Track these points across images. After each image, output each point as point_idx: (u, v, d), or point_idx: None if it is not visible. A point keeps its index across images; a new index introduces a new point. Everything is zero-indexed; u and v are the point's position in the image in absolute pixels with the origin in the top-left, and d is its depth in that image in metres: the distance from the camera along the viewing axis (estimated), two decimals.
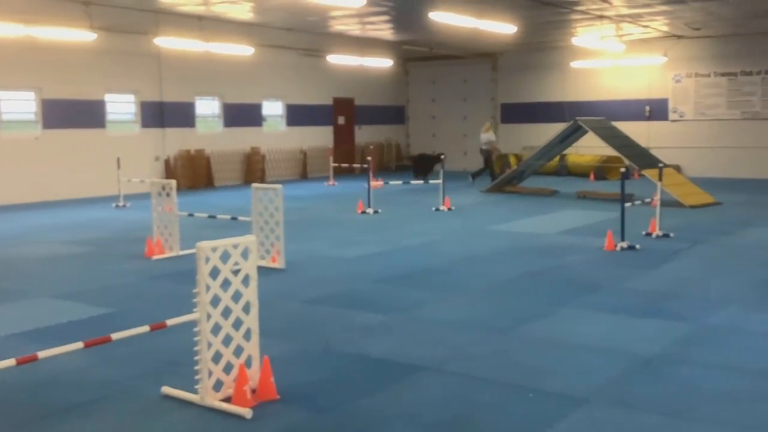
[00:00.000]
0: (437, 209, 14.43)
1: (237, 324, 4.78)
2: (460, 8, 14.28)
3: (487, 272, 8.70)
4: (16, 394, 4.94)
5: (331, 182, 20.51)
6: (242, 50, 18.32)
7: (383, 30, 20.06)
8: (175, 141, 19.22)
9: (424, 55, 24.27)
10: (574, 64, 22.24)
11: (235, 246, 4.69)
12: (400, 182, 16.88)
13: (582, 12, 16.57)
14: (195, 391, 4.68)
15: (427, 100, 26.63)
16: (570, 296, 7.44)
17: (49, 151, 16.76)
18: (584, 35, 19.66)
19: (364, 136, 25.18)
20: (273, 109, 22.30)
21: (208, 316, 4.58)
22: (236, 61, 19.62)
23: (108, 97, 18.07)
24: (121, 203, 15.59)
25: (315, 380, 5.14)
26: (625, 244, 9.96)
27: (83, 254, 10.22)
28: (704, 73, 21.51)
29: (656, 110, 22.14)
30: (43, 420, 4.52)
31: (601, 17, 17.19)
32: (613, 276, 8.38)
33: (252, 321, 4.83)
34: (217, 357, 4.67)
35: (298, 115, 22.66)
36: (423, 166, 22.48)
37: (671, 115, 22.05)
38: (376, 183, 16.77)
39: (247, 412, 4.46)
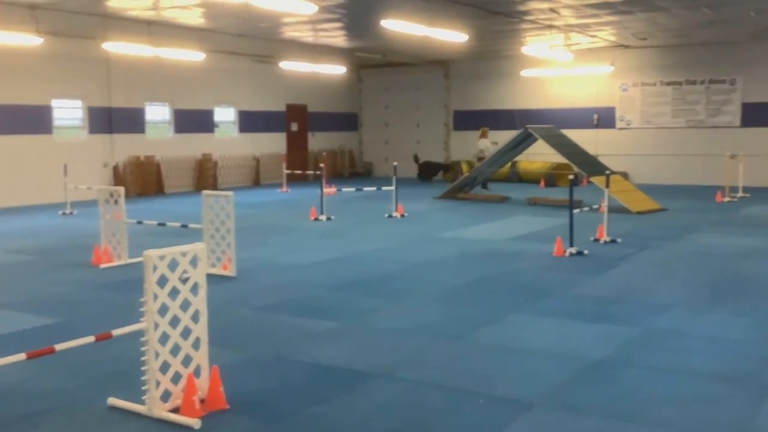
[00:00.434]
0: (390, 216, 14.47)
1: (186, 333, 4.72)
2: (412, 16, 14.38)
3: (439, 279, 8.75)
4: None
5: (284, 189, 20.41)
6: (193, 56, 18.14)
7: (336, 37, 20.08)
8: (124, 147, 18.92)
9: (377, 62, 24.36)
10: (525, 73, 22.58)
11: (184, 254, 4.64)
12: (353, 189, 16.88)
13: (531, 22, 16.84)
14: (142, 402, 4.61)
15: (380, 107, 26.73)
16: (520, 302, 7.54)
17: None
18: (534, 44, 19.98)
19: (318, 142, 25.13)
20: (225, 115, 22.11)
21: (156, 326, 4.52)
22: (187, 67, 19.42)
23: (55, 103, 17.69)
24: (68, 211, 15.26)
25: (266, 389, 5.11)
26: (573, 250, 10.13)
27: (28, 263, 9.97)
28: (650, 82, 22.05)
29: (604, 118, 22.60)
30: None
31: (550, 27, 17.49)
32: (562, 282, 8.52)
33: (201, 330, 4.78)
34: (165, 367, 4.60)
35: (250, 122, 22.51)
36: (428, 172, 23.78)
37: (618, 123, 22.54)
38: (330, 190, 16.73)
39: (195, 423, 4.41)
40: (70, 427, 4.49)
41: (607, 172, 12.14)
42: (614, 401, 4.82)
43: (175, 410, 4.59)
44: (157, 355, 4.54)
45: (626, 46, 21.38)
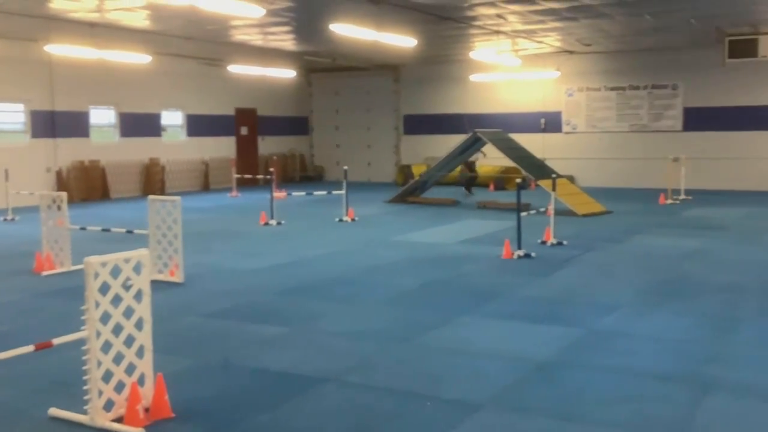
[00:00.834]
0: (341, 220, 14.45)
1: (129, 341, 4.64)
2: (361, 21, 14.40)
3: (389, 282, 8.77)
4: None
5: (233, 193, 20.21)
6: (139, 58, 17.84)
7: (285, 41, 19.99)
8: (68, 152, 18.48)
9: (327, 66, 24.32)
10: (473, 78, 22.81)
11: (127, 260, 4.56)
12: (303, 193, 16.82)
13: (479, 27, 17.02)
14: (84, 412, 4.50)
15: (331, 111, 26.68)
16: (469, 305, 7.60)
17: None
18: (482, 50, 20.19)
19: (268, 146, 24.95)
20: (172, 119, 21.79)
21: (98, 334, 4.43)
22: (133, 70, 19.09)
23: None
24: (9, 217, 14.85)
25: (213, 396, 5.04)
26: (521, 253, 10.26)
27: None
28: (595, 88, 22.50)
29: (550, 123, 22.98)
30: None
31: (498, 32, 17.71)
32: (510, 284, 8.62)
33: (145, 337, 4.70)
34: (107, 376, 4.51)
35: (199, 126, 22.23)
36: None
37: (564, 128, 22.93)
38: (280, 194, 16.65)
39: None
40: None
41: (554, 175, 12.34)
42: (560, 401, 4.89)
43: (119, 420, 4.50)
44: (99, 363, 4.45)
45: (571, 52, 21.78)
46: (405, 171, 23.65)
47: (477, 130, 17.14)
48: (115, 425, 4.42)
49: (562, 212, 13.53)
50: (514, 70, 21.81)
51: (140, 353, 4.70)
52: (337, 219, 14.53)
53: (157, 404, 4.62)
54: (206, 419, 4.63)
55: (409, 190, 18.32)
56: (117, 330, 4.55)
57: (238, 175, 20.71)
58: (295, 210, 16.26)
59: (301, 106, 26.69)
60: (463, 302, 7.71)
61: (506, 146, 16.85)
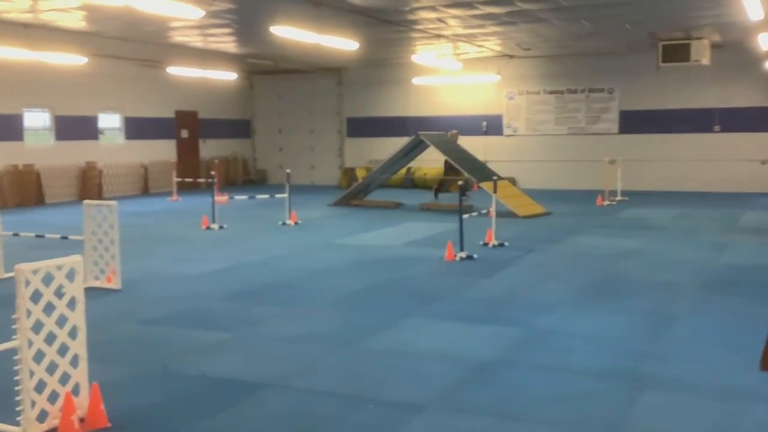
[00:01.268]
0: (284, 223, 14.35)
1: (63, 350, 4.51)
2: (302, 23, 14.34)
3: (333, 286, 8.75)
4: None
5: (174, 197, 19.87)
6: (75, 60, 17.40)
7: (226, 42, 19.76)
8: (0, 156, 17.89)
9: (269, 68, 24.13)
10: (416, 81, 22.95)
11: (59, 267, 4.43)
12: (246, 197, 16.65)
13: (420, 31, 17.14)
14: (17, 423, 4.36)
15: (274, 113, 26.50)
16: (412, 307, 7.63)
17: None
18: (424, 53, 20.33)
19: (209, 150, 24.62)
20: (110, 121, 21.31)
21: (30, 343, 4.29)
22: (69, 72, 18.60)
23: None
24: None
25: (152, 405, 4.94)
26: (464, 255, 10.36)
27: None
28: (534, 91, 22.90)
29: (492, 125, 23.29)
30: None
31: (439, 36, 17.86)
32: (452, 285, 8.69)
33: (79, 346, 4.58)
34: (40, 386, 4.37)
35: (137, 128, 21.78)
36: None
37: (505, 131, 23.27)
38: (222, 198, 16.43)
39: None
40: None
41: (495, 177, 12.49)
42: (501, 401, 4.95)
43: (53, 431, 4.37)
44: (31, 373, 4.31)
45: (512, 56, 22.12)
46: (349, 174, 23.66)
47: (420, 132, 17.24)
48: None
49: (503, 214, 13.72)
50: (455, 74, 22.04)
51: (75, 362, 4.58)
52: (280, 223, 14.43)
53: (92, 414, 4.51)
54: (143, 428, 4.54)
55: (353, 193, 18.31)
56: (50, 339, 4.42)
57: (179, 179, 20.36)
58: (238, 214, 16.08)
59: (243, 109, 26.43)
60: (407, 304, 7.74)
61: (449, 149, 17.00)
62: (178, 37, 18.84)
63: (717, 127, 20.95)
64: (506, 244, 11.47)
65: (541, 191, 20.26)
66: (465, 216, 10.78)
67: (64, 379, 4.53)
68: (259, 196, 16.45)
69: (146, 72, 21.31)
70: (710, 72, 19.74)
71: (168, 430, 4.51)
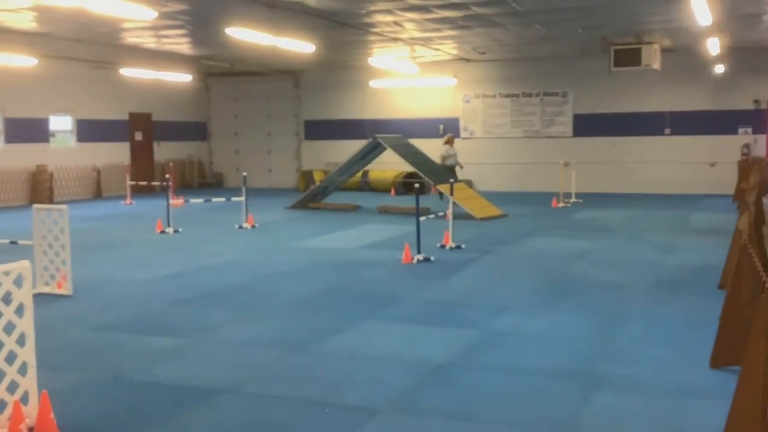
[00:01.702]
0: (240, 227, 14.24)
1: (10, 358, 4.40)
2: (257, 25, 14.25)
3: (289, 289, 8.71)
4: None
5: (128, 201, 19.55)
6: (25, 61, 17.02)
7: (181, 44, 19.54)
8: None
9: (225, 71, 23.93)
10: (373, 84, 22.99)
11: (7, 273, 4.33)
12: (201, 200, 16.47)
13: (377, 34, 17.18)
14: None
15: (230, 116, 26.27)
16: (369, 309, 7.64)
17: None
18: (380, 56, 20.38)
19: (164, 152, 24.29)
20: (61, 124, 20.88)
21: None
22: (18, 73, 18.17)
23: None
24: None
25: (102, 412, 4.86)
26: (421, 257, 10.41)
27: None
28: (490, 94, 23.12)
29: (449, 128, 23.38)
30: None
31: (395, 39, 17.92)
32: (409, 288, 8.72)
33: (28, 353, 4.47)
34: None
35: (90, 131, 21.38)
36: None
37: (462, 133, 23.43)
38: (177, 201, 16.24)
39: None
40: None
41: (452, 180, 12.58)
42: (455, 402, 4.98)
43: None
44: None
45: (467, 60, 22.30)
46: (306, 177, 23.57)
47: (377, 135, 17.27)
48: None
49: (460, 216, 13.81)
50: (412, 77, 22.13)
51: (23, 370, 4.48)
52: (236, 226, 14.31)
53: (42, 423, 4.41)
54: None
55: (311, 196, 18.26)
56: None
57: (133, 182, 20.05)
58: (193, 217, 15.90)
59: (198, 111, 26.14)
60: (363, 307, 7.74)
61: (406, 151, 17.05)
62: (131, 39, 18.57)
63: (668, 130, 21.42)
64: (463, 246, 11.55)
65: (497, 193, 20.45)
66: (422, 218, 10.83)
67: (12, 387, 4.43)
68: (216, 200, 16.31)
69: (99, 73, 20.94)
70: (661, 76, 20.16)
71: None
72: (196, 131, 26.13)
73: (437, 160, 18.58)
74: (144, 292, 8.59)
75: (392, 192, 21.72)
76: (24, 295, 4.42)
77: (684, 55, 20.24)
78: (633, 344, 6.39)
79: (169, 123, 24.53)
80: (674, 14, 14.94)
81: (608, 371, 5.62)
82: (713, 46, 17.61)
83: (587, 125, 22.13)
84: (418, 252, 10.48)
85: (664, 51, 19.22)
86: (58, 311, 7.58)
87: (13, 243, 9.09)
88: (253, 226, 14.27)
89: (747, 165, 18.47)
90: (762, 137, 20.73)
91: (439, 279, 9.22)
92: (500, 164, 22.98)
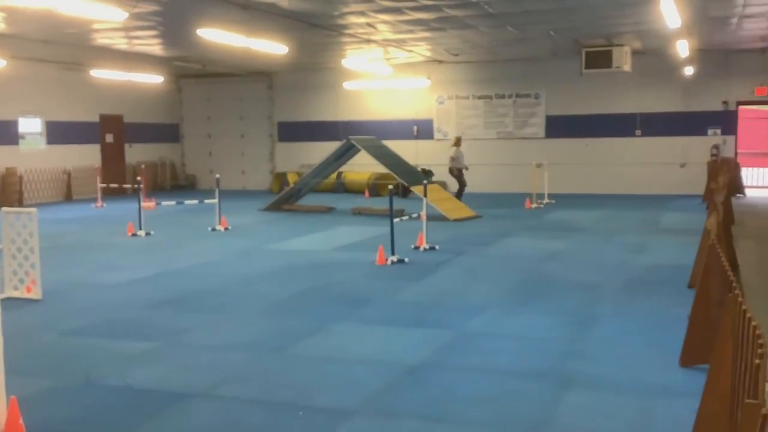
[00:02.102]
0: (213, 229, 14.14)
1: None
2: (230, 26, 14.17)
3: (262, 292, 8.66)
4: None
5: (99, 204, 19.33)
6: None
7: (152, 45, 19.36)
8: None
9: (197, 72, 23.77)
10: (347, 85, 22.97)
11: None
12: (174, 203, 16.33)
13: (350, 35, 17.17)
14: None
15: (203, 118, 26.09)
16: (342, 312, 7.63)
17: None
18: (354, 58, 20.37)
19: (136, 154, 24.06)
20: (31, 126, 20.59)
21: None
22: None
23: None
24: None
25: (73, 417, 4.80)
26: (395, 258, 10.41)
27: None
28: (464, 96, 23.21)
29: (423, 130, 23.50)
30: None
31: (369, 41, 17.92)
32: (383, 289, 8.72)
33: None
34: None
35: (60, 133, 21.10)
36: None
37: (436, 135, 23.50)
38: (149, 204, 16.09)
39: None
40: None
41: (425, 181, 12.60)
42: (429, 403, 4.99)
43: None
44: None
45: (441, 61, 22.37)
46: (280, 178, 23.49)
47: (351, 136, 17.26)
48: None
49: (434, 218, 13.84)
50: (386, 78, 22.15)
51: None
52: (209, 228, 14.21)
53: (10, 429, 4.35)
54: None
55: (284, 198, 18.19)
56: None
57: (104, 185, 19.84)
58: (166, 220, 15.76)
59: (171, 113, 25.93)
60: (337, 309, 7.72)
61: (380, 153, 17.06)
62: (101, 40, 18.37)
63: (638, 132, 21.66)
64: (437, 247, 11.58)
65: (470, 195, 20.48)
66: (396, 220, 10.84)
67: None
68: (188, 202, 16.18)
69: (69, 75, 20.69)
70: (632, 78, 20.39)
71: None
72: (169, 133, 25.91)
73: (447, 162, 18.26)
74: (115, 295, 8.50)
75: (366, 194, 21.71)
76: None
77: (654, 57, 20.50)
78: (604, 343, 6.45)
79: (141, 125, 24.29)
80: (644, 17, 15.11)
81: (580, 370, 5.66)
82: (683, 48, 17.86)
83: (559, 126, 22.31)
84: (392, 253, 10.49)
85: (635, 53, 19.44)
86: (27, 316, 7.47)
87: None
88: (226, 229, 14.18)
89: (716, 165, 18.73)
90: (731, 138, 21.06)
91: (413, 280, 9.23)
92: (474, 165, 22.91)
